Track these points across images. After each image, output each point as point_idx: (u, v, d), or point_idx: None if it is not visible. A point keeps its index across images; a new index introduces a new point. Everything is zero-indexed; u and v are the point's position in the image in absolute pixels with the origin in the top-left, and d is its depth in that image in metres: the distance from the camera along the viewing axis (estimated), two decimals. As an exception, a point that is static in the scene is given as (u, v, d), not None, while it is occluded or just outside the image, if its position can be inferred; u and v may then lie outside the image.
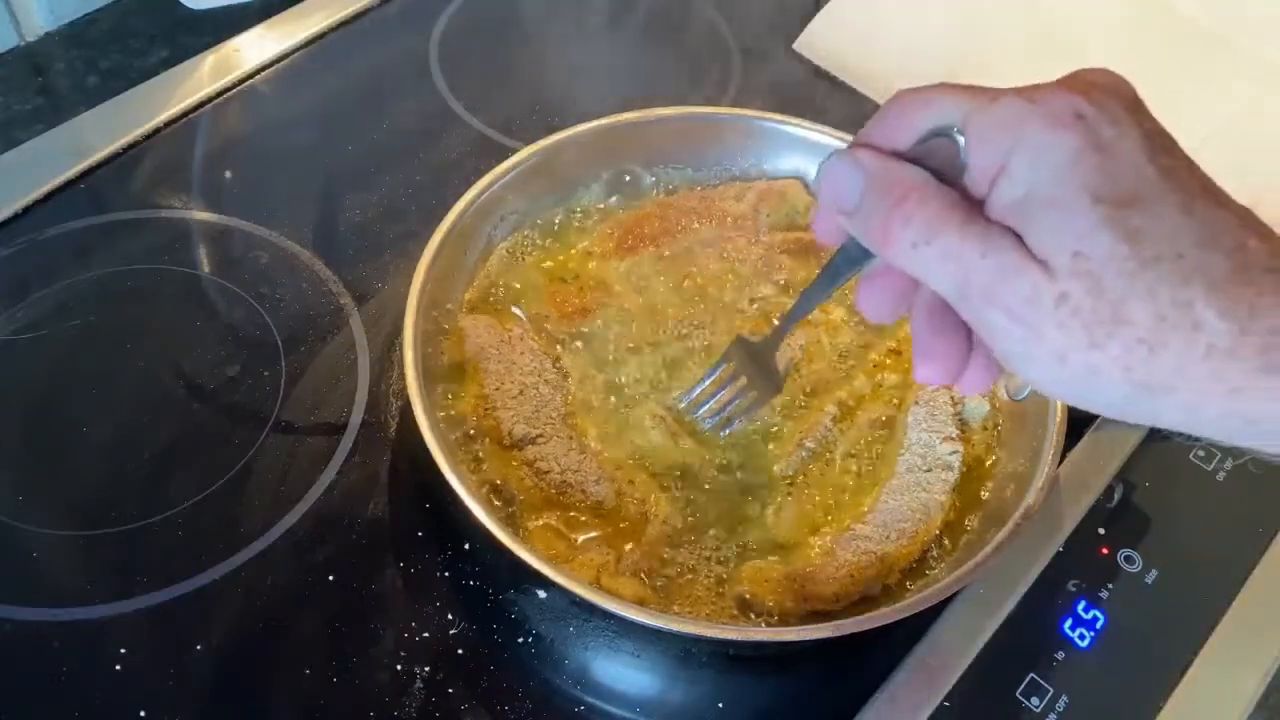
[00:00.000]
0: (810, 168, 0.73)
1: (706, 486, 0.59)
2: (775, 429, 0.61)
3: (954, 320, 0.37)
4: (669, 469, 0.59)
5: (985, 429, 0.62)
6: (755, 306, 0.67)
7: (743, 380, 0.56)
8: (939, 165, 0.36)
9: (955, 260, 0.34)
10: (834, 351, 0.65)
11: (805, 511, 0.59)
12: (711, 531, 0.57)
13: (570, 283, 0.67)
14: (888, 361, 0.65)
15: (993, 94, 0.35)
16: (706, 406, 0.57)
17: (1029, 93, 0.34)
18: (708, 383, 0.57)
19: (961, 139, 0.35)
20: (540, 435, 0.59)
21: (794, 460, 0.60)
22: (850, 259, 0.42)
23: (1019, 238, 0.34)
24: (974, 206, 0.35)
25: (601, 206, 0.71)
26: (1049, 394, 0.40)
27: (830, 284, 0.44)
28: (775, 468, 0.60)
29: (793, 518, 0.58)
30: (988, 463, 0.61)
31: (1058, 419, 0.58)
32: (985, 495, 0.60)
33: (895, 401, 0.63)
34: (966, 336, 0.39)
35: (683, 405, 0.59)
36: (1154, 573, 0.59)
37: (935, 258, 0.35)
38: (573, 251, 0.68)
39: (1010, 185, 0.34)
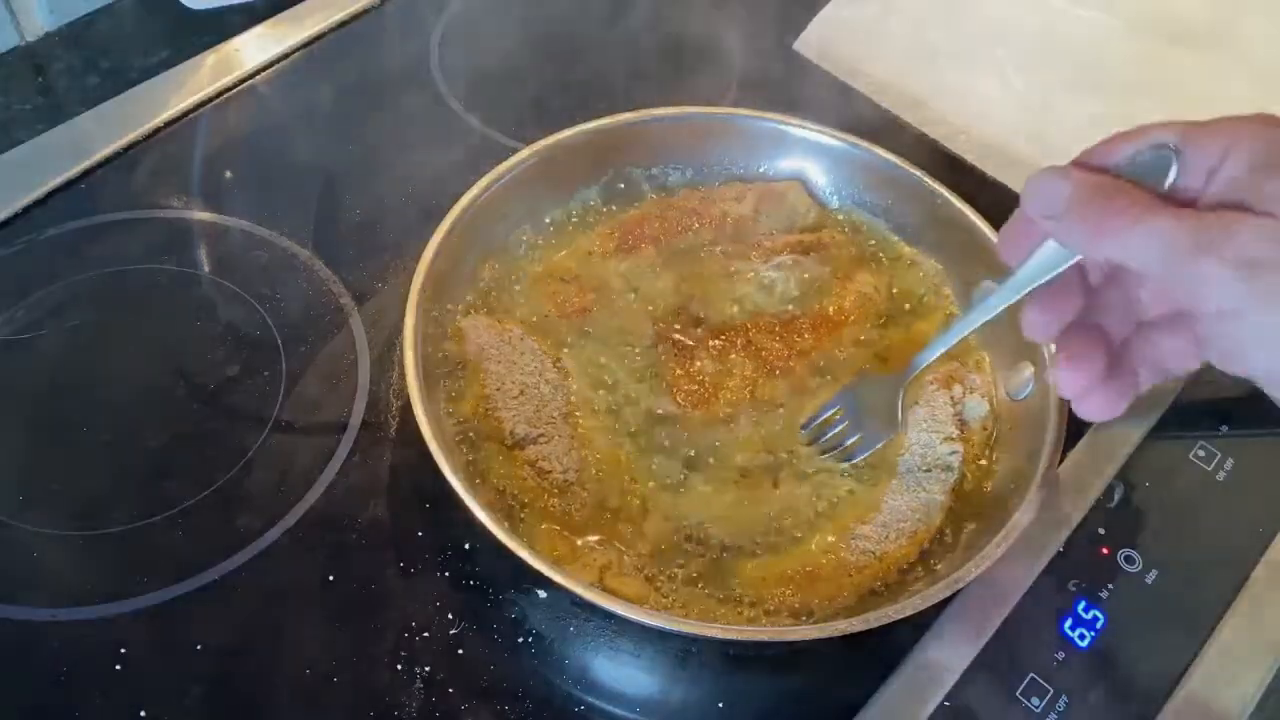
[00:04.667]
0: (810, 168, 0.72)
1: (708, 486, 0.59)
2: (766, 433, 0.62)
3: (1099, 339, 0.46)
4: (670, 467, 0.60)
5: (985, 429, 0.62)
6: (754, 308, 0.67)
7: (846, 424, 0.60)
8: (1140, 180, 0.40)
9: (1167, 233, 0.38)
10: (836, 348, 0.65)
11: (805, 511, 0.59)
12: (713, 531, 0.57)
13: (570, 283, 0.67)
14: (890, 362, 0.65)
15: (1201, 121, 0.40)
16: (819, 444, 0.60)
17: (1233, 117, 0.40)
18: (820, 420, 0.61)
19: (1173, 154, 0.40)
20: (541, 435, 0.59)
21: (794, 460, 0.60)
22: (1029, 277, 0.46)
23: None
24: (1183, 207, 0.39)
25: (601, 207, 0.71)
26: (1257, 366, 0.40)
27: (1002, 305, 0.49)
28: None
29: (793, 517, 0.58)
30: (988, 463, 0.61)
31: (1057, 419, 0.58)
32: (985, 495, 0.60)
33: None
34: (1108, 358, 0.46)
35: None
36: (1154, 573, 0.59)
37: (1145, 236, 0.38)
38: (573, 251, 0.68)
39: (1232, 166, 0.38)
